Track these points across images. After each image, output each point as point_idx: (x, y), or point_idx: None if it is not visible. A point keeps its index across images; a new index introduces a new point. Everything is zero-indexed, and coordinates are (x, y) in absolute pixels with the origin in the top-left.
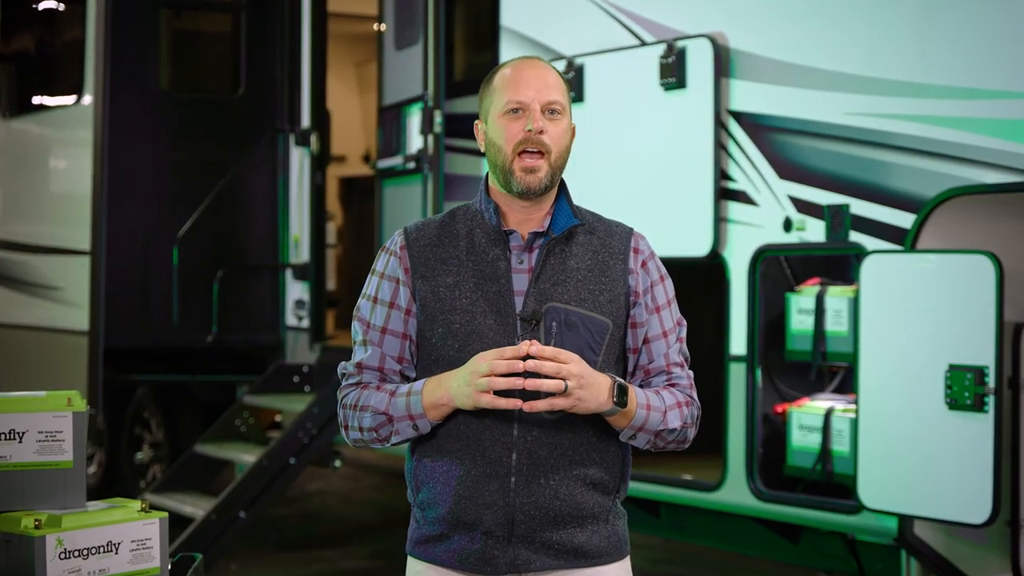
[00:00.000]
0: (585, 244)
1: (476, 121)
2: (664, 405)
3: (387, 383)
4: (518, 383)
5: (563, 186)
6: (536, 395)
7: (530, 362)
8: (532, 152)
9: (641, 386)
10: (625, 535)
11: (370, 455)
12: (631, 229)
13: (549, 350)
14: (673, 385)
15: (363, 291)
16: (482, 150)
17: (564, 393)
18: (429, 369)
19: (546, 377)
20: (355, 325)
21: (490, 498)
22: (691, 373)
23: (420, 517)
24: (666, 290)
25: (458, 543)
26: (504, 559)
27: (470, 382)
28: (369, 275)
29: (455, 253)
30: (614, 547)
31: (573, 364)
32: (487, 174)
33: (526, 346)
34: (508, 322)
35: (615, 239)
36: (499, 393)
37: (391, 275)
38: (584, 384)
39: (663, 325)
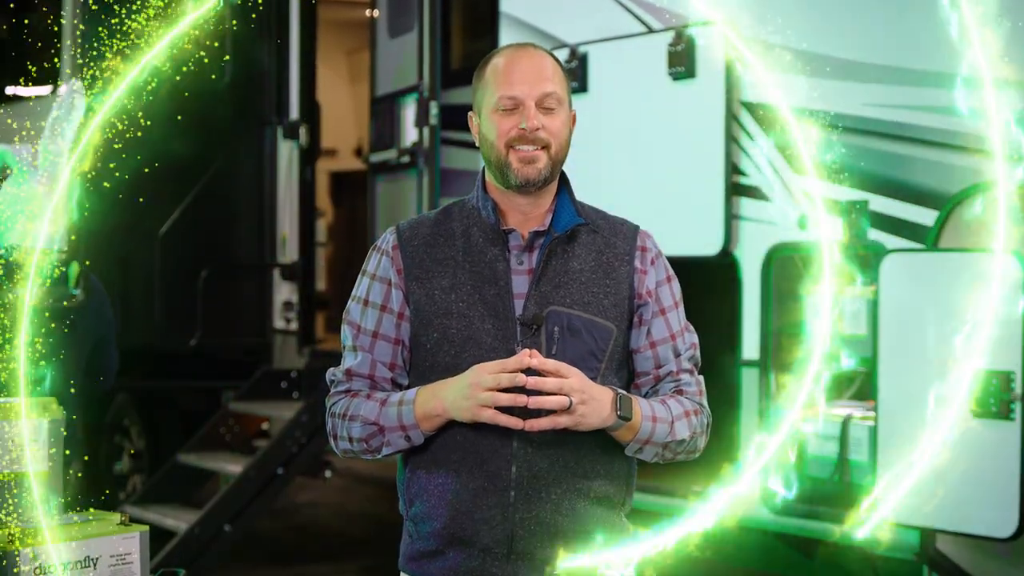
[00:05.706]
0: (588, 244)
1: (470, 112)
2: (671, 415)
3: (378, 391)
4: (521, 400)
5: (564, 181)
6: (538, 411)
7: (532, 378)
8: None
9: (648, 393)
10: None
11: (362, 465)
12: (637, 227)
13: (551, 363)
14: (681, 392)
15: (353, 293)
16: (476, 144)
17: (567, 410)
18: (424, 376)
19: (549, 393)
20: (345, 329)
21: (488, 513)
22: (701, 379)
23: (414, 531)
24: (673, 292)
25: (454, 559)
26: None
27: (469, 395)
28: (360, 276)
29: (451, 253)
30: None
31: (574, 379)
32: (483, 169)
33: (527, 358)
34: (507, 327)
35: (620, 238)
36: (501, 408)
37: (383, 276)
38: (586, 399)
39: (670, 328)
